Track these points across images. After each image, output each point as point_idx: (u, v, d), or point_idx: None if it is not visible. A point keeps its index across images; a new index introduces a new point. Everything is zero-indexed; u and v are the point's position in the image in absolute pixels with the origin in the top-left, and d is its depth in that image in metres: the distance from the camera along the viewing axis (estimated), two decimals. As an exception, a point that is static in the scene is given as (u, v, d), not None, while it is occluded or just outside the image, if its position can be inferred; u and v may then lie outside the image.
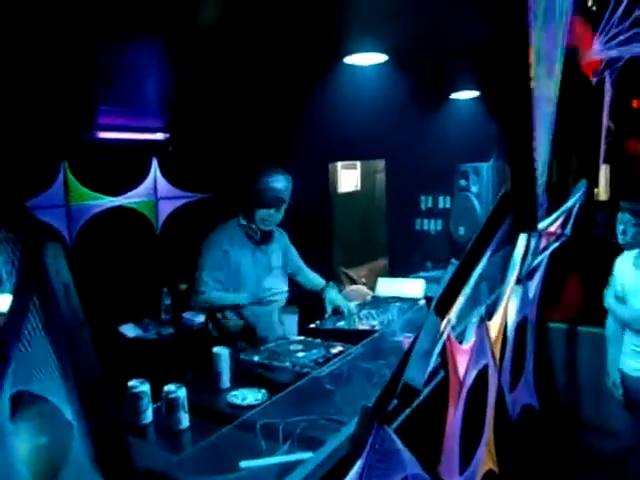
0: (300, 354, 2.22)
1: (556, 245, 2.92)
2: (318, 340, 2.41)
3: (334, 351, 2.26)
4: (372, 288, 4.69)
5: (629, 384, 2.69)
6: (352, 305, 2.86)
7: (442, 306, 1.28)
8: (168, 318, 4.19)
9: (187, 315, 4.18)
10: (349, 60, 2.35)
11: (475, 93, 3.54)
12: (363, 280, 5.26)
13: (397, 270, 4.44)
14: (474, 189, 3.60)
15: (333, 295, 2.88)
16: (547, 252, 2.86)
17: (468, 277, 1.28)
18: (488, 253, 1.21)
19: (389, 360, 2.30)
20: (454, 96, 3.56)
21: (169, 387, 1.79)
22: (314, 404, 1.97)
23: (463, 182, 3.68)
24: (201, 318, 4.06)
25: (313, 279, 3.04)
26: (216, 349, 2.17)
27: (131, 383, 1.83)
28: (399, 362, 1.21)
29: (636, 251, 2.60)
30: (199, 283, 2.68)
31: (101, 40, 2.32)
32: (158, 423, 1.84)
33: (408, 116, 3.59)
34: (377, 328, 2.52)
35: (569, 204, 2.93)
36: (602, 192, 4.82)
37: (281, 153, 4.09)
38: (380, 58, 2.31)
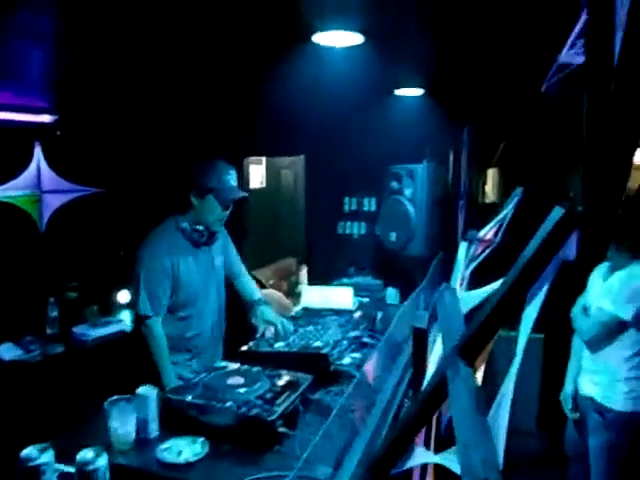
0: (241, 390, 1.85)
1: (486, 253, 2.87)
2: (257, 368, 2.05)
3: (281, 383, 1.92)
4: (280, 291, 4.44)
5: (578, 400, 2.65)
6: (289, 324, 2.54)
7: (469, 350, 1.01)
8: (55, 333, 3.55)
9: (78, 329, 3.58)
10: (317, 38, 2.01)
11: (420, 91, 3.36)
12: (270, 282, 4.96)
13: (317, 275, 4.18)
14: (407, 192, 3.42)
15: (267, 312, 2.57)
16: (479, 259, 2.80)
17: (510, 313, 1.01)
18: (545, 286, 0.95)
19: (341, 388, 2.03)
20: (398, 92, 3.35)
21: (85, 455, 1.35)
22: (268, 454, 1.63)
23: (395, 185, 3.49)
24: (96, 332, 3.52)
25: (250, 289, 2.76)
26: (142, 390, 1.73)
27: (26, 452, 1.35)
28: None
29: (607, 263, 2.53)
30: (139, 305, 2.33)
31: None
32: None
33: (339, 109, 3.33)
34: (325, 351, 2.22)
35: (504, 212, 2.90)
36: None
37: (193, 144, 3.66)
38: (354, 38, 2.00)
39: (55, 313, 3.57)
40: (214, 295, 2.56)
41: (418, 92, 3.43)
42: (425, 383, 1.25)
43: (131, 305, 2.36)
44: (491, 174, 5.39)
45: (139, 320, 2.34)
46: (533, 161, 3.77)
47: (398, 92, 3.41)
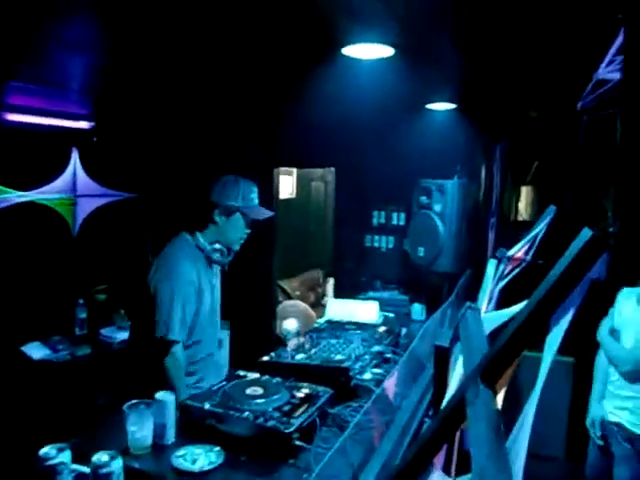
0: (259, 400, 1.84)
1: (517, 271, 2.81)
2: (277, 379, 2.04)
3: (300, 395, 1.90)
4: (305, 302, 4.43)
5: (604, 427, 2.56)
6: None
7: (490, 372, 0.97)
8: (83, 334, 3.62)
9: (106, 331, 3.65)
10: (347, 51, 2.01)
11: (452, 105, 3.33)
12: (297, 293, 4.95)
13: (343, 288, 4.15)
14: (437, 208, 3.38)
15: None
16: (509, 278, 2.75)
17: (534, 336, 0.98)
18: (572, 309, 0.91)
19: (360, 403, 2.00)
20: (430, 106, 3.33)
21: (100, 457, 1.36)
22: (283, 467, 1.61)
23: (424, 199, 3.45)
24: (122, 335, 3.56)
25: None
26: (160, 395, 1.74)
27: (44, 451, 1.37)
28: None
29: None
30: (173, 329, 2.20)
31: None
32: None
33: (370, 122, 3.32)
34: (345, 365, 2.19)
35: (536, 230, 2.83)
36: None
37: (224, 153, 3.70)
38: (384, 51, 1.99)
39: (84, 314, 3.64)
40: (217, 316, 2.52)
41: (450, 106, 3.40)
42: (444, 403, 1.21)
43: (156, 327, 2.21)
44: (525, 192, 5.29)
45: (165, 345, 2.20)
46: (567, 180, 3.69)
47: (430, 106, 3.39)
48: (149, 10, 1.87)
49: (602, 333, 2.49)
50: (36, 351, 3.22)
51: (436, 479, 1.00)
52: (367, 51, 2.06)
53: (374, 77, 2.43)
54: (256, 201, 2.40)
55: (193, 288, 2.26)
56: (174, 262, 2.26)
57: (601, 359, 2.64)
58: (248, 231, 2.41)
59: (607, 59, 1.90)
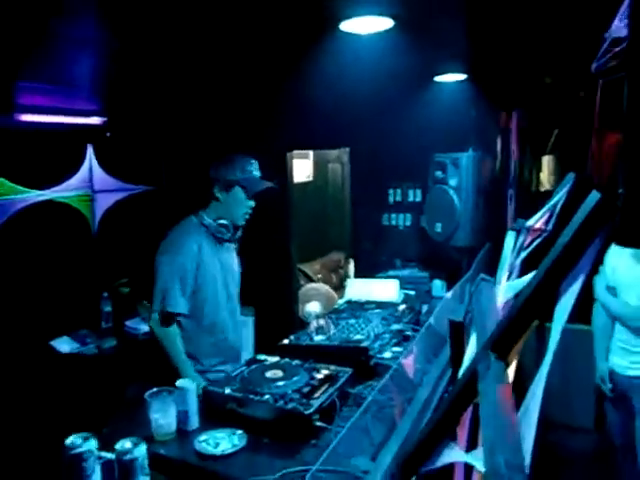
0: (280, 383, 1.85)
1: (537, 242, 2.76)
2: (297, 361, 2.05)
3: (319, 376, 1.91)
4: (327, 285, 4.43)
5: (617, 381, 2.63)
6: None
7: (501, 344, 0.96)
8: (109, 327, 3.69)
9: (131, 323, 3.71)
10: (345, 26, 1.97)
11: (462, 76, 3.24)
12: (319, 276, 4.96)
13: (363, 268, 4.14)
14: (452, 182, 3.32)
15: None
16: (530, 249, 2.70)
17: (544, 305, 0.95)
18: (581, 276, 0.88)
19: (379, 381, 2.00)
20: (439, 78, 3.25)
21: (123, 444, 1.39)
22: (304, 448, 1.63)
23: (439, 174, 3.40)
24: (147, 326, 3.61)
25: None
26: (181, 382, 1.77)
27: (70, 440, 1.40)
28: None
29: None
30: (170, 301, 2.25)
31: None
32: (109, 491, 1.43)
33: (380, 99, 3.26)
34: (364, 345, 2.19)
35: (555, 199, 2.77)
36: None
37: (237, 141, 3.70)
38: (384, 23, 1.94)
39: (109, 308, 3.71)
40: (235, 296, 2.51)
41: (460, 78, 3.31)
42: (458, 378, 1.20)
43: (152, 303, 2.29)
44: (546, 161, 5.17)
45: (166, 318, 2.27)
46: (587, 146, 3.58)
47: (439, 78, 3.30)
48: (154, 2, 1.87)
49: (600, 291, 2.55)
50: (65, 345, 3.30)
51: (450, 452, 1.00)
52: (365, 25, 2.00)
53: (379, 53, 2.39)
54: (255, 173, 2.37)
55: (192, 261, 2.27)
56: (173, 238, 2.32)
57: (598, 316, 2.70)
58: (251, 204, 2.38)
59: (620, 13, 1.82)
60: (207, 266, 2.33)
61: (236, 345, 2.49)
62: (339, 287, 4.60)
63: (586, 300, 2.76)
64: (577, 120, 3.93)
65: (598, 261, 2.58)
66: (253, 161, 2.39)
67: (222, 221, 2.36)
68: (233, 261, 2.52)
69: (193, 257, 2.27)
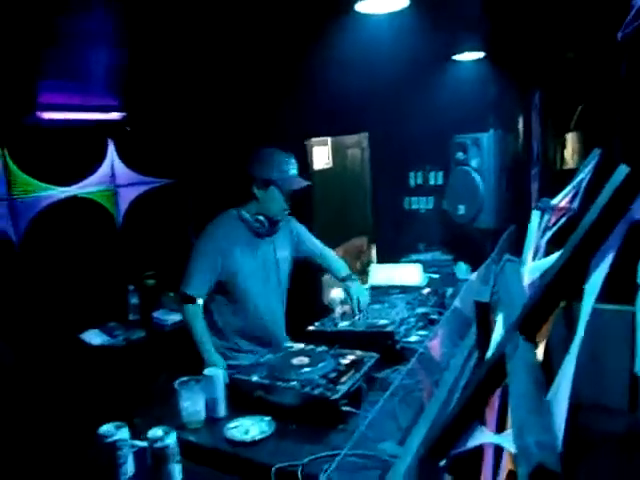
0: (306, 369, 1.86)
1: (563, 221, 2.71)
2: (323, 347, 2.06)
3: (345, 362, 1.92)
4: (352, 270, 4.42)
5: None
6: (365, 297, 2.53)
7: (529, 324, 0.94)
8: (137, 319, 3.76)
9: (158, 314, 3.78)
10: (360, 7, 1.94)
11: (480, 54, 3.17)
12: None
13: (385, 253, 4.12)
14: (474, 163, 3.27)
15: (352, 287, 2.55)
16: (555, 228, 2.65)
17: (573, 284, 0.93)
18: (611, 253, 0.86)
19: (406, 366, 1.99)
20: (457, 57, 3.18)
21: (155, 432, 1.41)
22: (332, 433, 1.64)
23: (461, 155, 3.34)
24: (173, 317, 3.68)
25: (337, 267, 2.71)
26: (209, 371, 1.79)
27: (104, 429, 1.44)
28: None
29: None
30: (186, 285, 2.35)
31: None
32: (142, 478, 1.46)
33: (398, 82, 3.22)
34: (389, 329, 2.18)
35: (580, 177, 2.71)
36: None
37: (255, 130, 3.70)
38: (400, 3, 1.90)
39: (135, 300, 3.78)
40: (275, 289, 2.54)
41: (478, 56, 3.24)
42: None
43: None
44: (570, 139, 5.05)
45: (183, 297, 2.35)
46: (613, 121, 3.47)
47: (457, 57, 3.24)
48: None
49: None
50: (94, 338, 3.38)
51: (479, 434, 0.99)
52: (380, 5, 1.97)
53: (395, 34, 2.35)
54: (292, 171, 2.39)
55: (220, 251, 2.34)
56: (208, 229, 2.41)
57: None
58: (289, 202, 2.42)
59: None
60: (242, 257, 2.38)
61: (274, 333, 2.53)
62: (362, 273, 4.60)
63: (619, 280, 2.67)
64: (602, 95, 3.83)
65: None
66: (291, 159, 2.40)
67: (260, 217, 2.40)
68: (275, 254, 2.53)
69: (221, 248, 2.34)
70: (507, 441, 0.90)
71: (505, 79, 3.29)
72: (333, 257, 2.75)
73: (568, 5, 2.37)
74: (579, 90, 3.99)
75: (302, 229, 2.71)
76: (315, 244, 2.72)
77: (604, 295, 0.92)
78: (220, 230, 2.39)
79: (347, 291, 2.56)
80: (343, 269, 2.68)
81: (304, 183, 2.42)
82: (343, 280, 2.62)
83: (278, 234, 2.53)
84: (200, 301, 2.36)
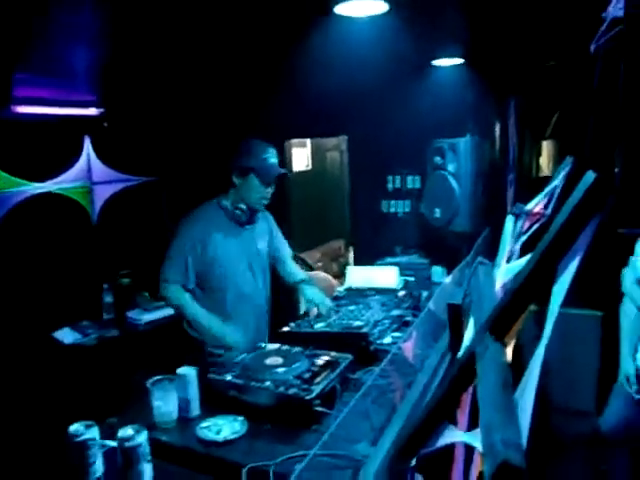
0: (280, 369, 1.86)
1: (536, 227, 2.76)
2: (297, 348, 2.06)
3: (320, 362, 1.92)
4: (328, 273, 4.44)
5: None
6: (330, 303, 2.54)
7: (499, 325, 0.96)
8: (111, 318, 3.70)
9: (132, 314, 3.73)
10: (339, 9, 1.95)
11: (459, 60, 3.21)
12: (319, 265, 4.96)
13: (363, 256, 4.14)
14: (451, 167, 3.31)
15: (309, 291, 2.58)
16: (529, 233, 2.70)
17: (541, 287, 0.95)
18: (578, 257, 0.88)
19: (379, 366, 2.01)
20: (436, 63, 3.22)
21: (125, 431, 1.39)
22: (305, 433, 1.64)
23: (438, 159, 3.39)
24: (147, 316, 3.64)
25: (294, 272, 2.77)
26: (182, 370, 1.78)
27: (74, 428, 1.41)
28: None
29: None
30: (163, 270, 2.40)
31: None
32: (112, 478, 1.44)
33: (377, 86, 3.24)
34: (364, 330, 2.20)
35: (554, 183, 2.76)
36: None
37: (234, 130, 3.68)
38: (379, 7, 1.92)
39: (110, 299, 3.72)
40: (258, 278, 2.57)
41: (457, 62, 3.28)
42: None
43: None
44: (546, 146, 5.14)
45: (162, 286, 2.38)
46: (586, 129, 3.55)
47: (436, 62, 3.27)
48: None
49: (629, 285, 2.42)
50: (67, 336, 3.32)
51: (448, 433, 1.00)
52: (360, 8, 1.99)
53: (375, 38, 2.37)
54: (271, 160, 2.42)
55: (196, 240, 2.37)
56: (189, 216, 2.45)
57: (628, 311, 2.56)
58: (269, 190, 2.44)
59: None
60: (221, 246, 2.41)
61: (259, 320, 2.58)
62: (339, 275, 4.61)
63: (590, 285, 2.70)
64: (577, 104, 3.90)
65: (628, 253, 2.50)
66: (270, 148, 2.44)
67: (241, 205, 2.44)
68: (256, 245, 2.58)
69: (199, 234, 2.37)
70: (475, 439, 0.92)
71: (483, 86, 3.34)
72: (292, 263, 2.80)
73: (546, 15, 2.42)
74: (555, 99, 4.07)
75: (277, 230, 2.75)
76: (284, 248, 2.77)
77: (574, 300, 0.94)
78: (200, 216, 2.43)
79: (305, 294, 2.61)
80: (299, 274, 2.74)
81: (280, 171, 2.46)
82: (298, 284, 2.67)
83: (257, 225, 2.56)
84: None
